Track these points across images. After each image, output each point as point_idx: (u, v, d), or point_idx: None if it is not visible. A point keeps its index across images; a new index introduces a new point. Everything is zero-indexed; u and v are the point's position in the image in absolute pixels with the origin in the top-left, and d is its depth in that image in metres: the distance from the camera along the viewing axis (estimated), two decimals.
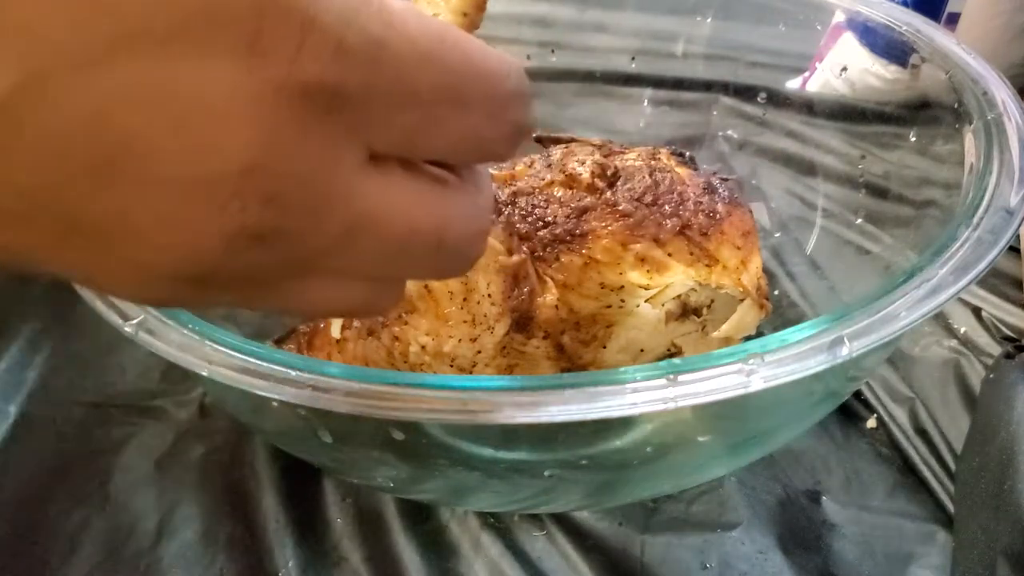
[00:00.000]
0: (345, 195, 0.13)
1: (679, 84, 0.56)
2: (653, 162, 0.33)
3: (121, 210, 0.12)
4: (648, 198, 0.31)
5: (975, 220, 0.27)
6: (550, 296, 0.30)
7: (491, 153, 0.16)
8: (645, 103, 0.56)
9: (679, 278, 0.31)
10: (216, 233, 0.12)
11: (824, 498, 0.36)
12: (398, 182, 0.14)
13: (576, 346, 0.31)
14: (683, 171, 0.34)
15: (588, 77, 0.57)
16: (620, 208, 0.31)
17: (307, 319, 0.34)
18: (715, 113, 0.55)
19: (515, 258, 0.30)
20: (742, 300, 0.32)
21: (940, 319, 0.45)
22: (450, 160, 0.16)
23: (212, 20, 0.11)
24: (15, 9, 0.10)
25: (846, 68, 0.50)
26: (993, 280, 0.47)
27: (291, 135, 0.12)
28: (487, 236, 0.17)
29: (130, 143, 0.11)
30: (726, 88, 0.54)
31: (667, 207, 0.31)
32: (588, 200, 0.31)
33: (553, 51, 0.56)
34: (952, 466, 0.37)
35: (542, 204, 0.31)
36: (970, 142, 0.32)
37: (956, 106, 0.35)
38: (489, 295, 0.30)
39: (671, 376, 0.22)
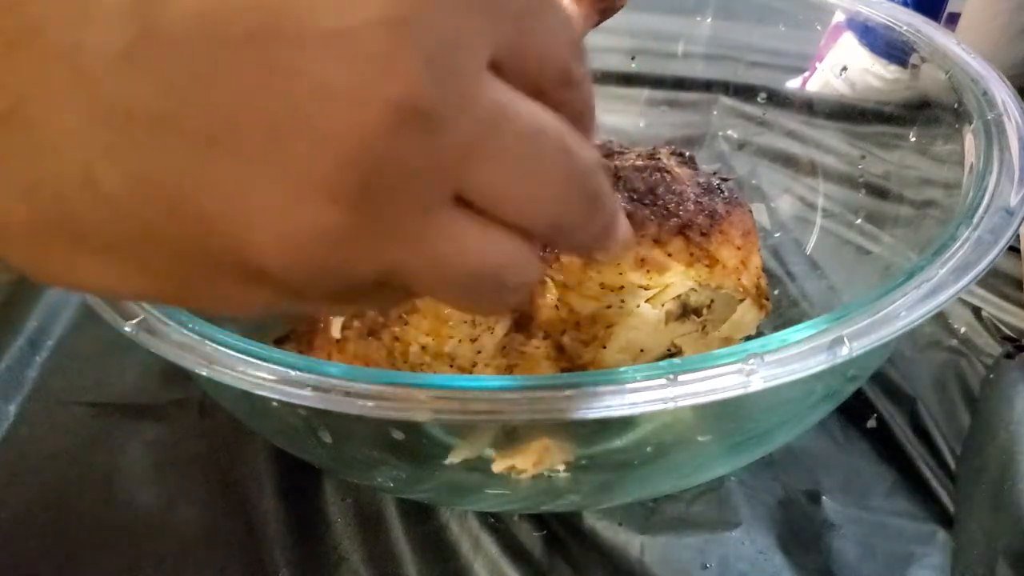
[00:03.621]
0: (474, 88, 0.13)
1: (679, 84, 0.56)
2: (653, 162, 0.33)
3: (282, 89, 0.11)
4: (648, 198, 0.31)
5: (975, 220, 0.27)
6: (550, 296, 0.30)
7: (565, 60, 0.15)
8: (645, 103, 0.56)
9: (679, 278, 0.31)
10: (381, 103, 0.12)
11: (824, 498, 0.36)
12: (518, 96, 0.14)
13: (576, 346, 0.31)
14: (683, 171, 0.34)
15: None
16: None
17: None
18: (715, 113, 0.55)
19: None
20: (742, 300, 0.33)
21: (940, 319, 0.45)
22: (547, 57, 0.15)
23: None
24: None
25: (846, 68, 0.50)
26: (993, 280, 0.47)
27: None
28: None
29: (235, 119, 0.11)
30: (726, 88, 0.54)
31: (667, 207, 0.31)
32: None
33: None
34: (952, 466, 0.37)
35: None
36: (970, 142, 0.32)
37: (956, 106, 0.35)
38: None
39: (671, 376, 0.22)
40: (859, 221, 0.45)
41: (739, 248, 0.32)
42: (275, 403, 0.22)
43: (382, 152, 0.12)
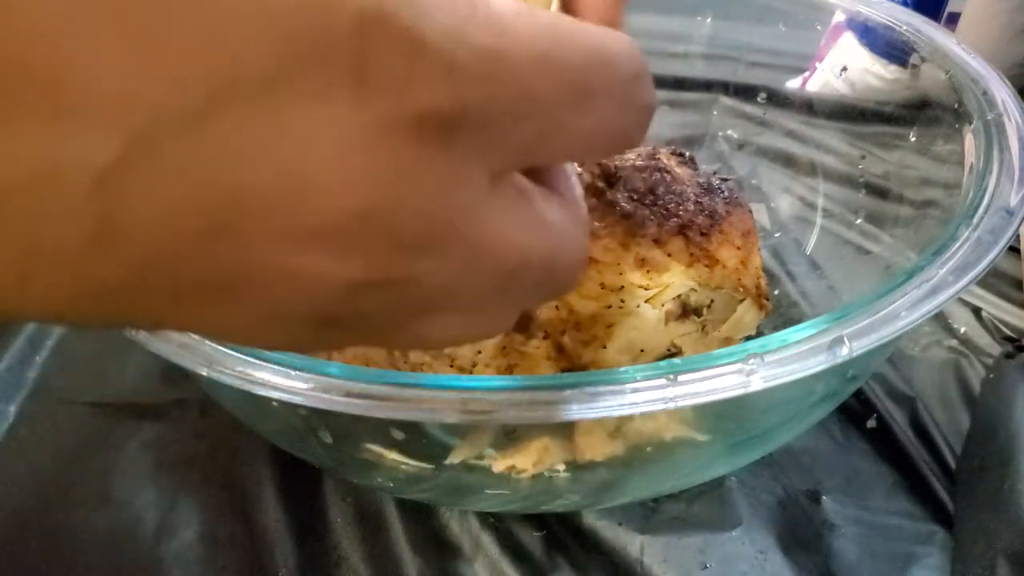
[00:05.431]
0: (465, 226, 0.13)
1: (679, 84, 0.56)
2: (653, 162, 0.33)
3: (237, 268, 0.11)
4: (648, 198, 0.31)
5: (975, 220, 0.27)
6: None
7: (624, 142, 0.15)
8: None
9: (679, 278, 0.31)
10: (339, 281, 0.12)
11: (824, 498, 0.36)
12: (510, 207, 0.13)
13: (576, 346, 0.31)
14: (683, 171, 0.34)
15: None
16: (620, 208, 0.31)
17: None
18: (715, 113, 0.55)
19: None
20: (742, 300, 0.32)
21: (940, 319, 0.45)
22: (581, 158, 0.14)
23: (312, 54, 0.10)
24: (106, 74, 0.09)
25: (846, 68, 0.50)
26: (993, 280, 0.47)
27: (409, 171, 0.11)
28: (587, 260, 0.16)
29: (241, 199, 0.10)
30: (726, 88, 0.54)
31: (667, 207, 0.31)
32: (588, 200, 0.31)
33: None
34: (952, 466, 0.37)
35: None
36: (970, 142, 0.32)
37: (956, 106, 0.35)
38: None
39: (671, 376, 0.22)
40: (859, 221, 0.45)
41: (739, 248, 0.32)
42: (275, 403, 0.22)
43: (342, 310, 0.12)
